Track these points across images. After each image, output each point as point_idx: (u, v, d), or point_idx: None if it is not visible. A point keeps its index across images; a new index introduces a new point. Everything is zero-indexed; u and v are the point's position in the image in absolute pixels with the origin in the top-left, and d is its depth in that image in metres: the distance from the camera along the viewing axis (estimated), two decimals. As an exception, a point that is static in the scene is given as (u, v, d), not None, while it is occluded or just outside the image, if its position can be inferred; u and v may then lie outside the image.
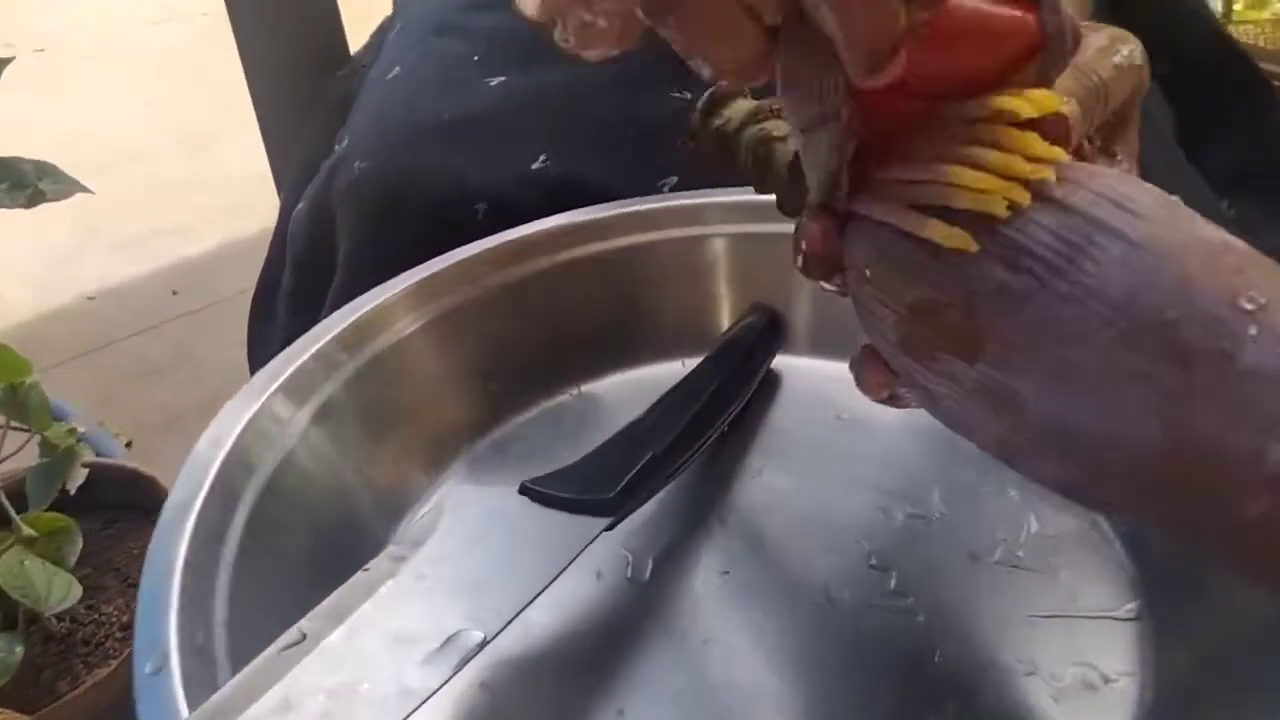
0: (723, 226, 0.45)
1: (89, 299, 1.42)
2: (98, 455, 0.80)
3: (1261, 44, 1.36)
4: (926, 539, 0.35)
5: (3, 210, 0.63)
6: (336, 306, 0.40)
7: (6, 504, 0.65)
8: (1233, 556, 0.22)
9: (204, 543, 0.31)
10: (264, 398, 0.35)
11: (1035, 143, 0.23)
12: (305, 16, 0.89)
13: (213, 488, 0.32)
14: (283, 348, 0.38)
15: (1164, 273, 0.21)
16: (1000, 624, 0.32)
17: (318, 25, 0.89)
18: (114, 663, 0.71)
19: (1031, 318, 0.22)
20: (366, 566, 0.30)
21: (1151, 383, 0.21)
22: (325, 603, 0.28)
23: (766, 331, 0.43)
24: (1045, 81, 0.25)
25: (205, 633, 0.29)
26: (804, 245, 0.27)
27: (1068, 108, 0.24)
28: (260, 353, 0.65)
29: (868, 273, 0.25)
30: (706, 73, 0.25)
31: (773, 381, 0.43)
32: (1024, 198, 0.23)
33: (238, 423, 0.34)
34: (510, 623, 0.28)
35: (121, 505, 0.82)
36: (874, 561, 0.34)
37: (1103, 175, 0.23)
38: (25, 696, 0.68)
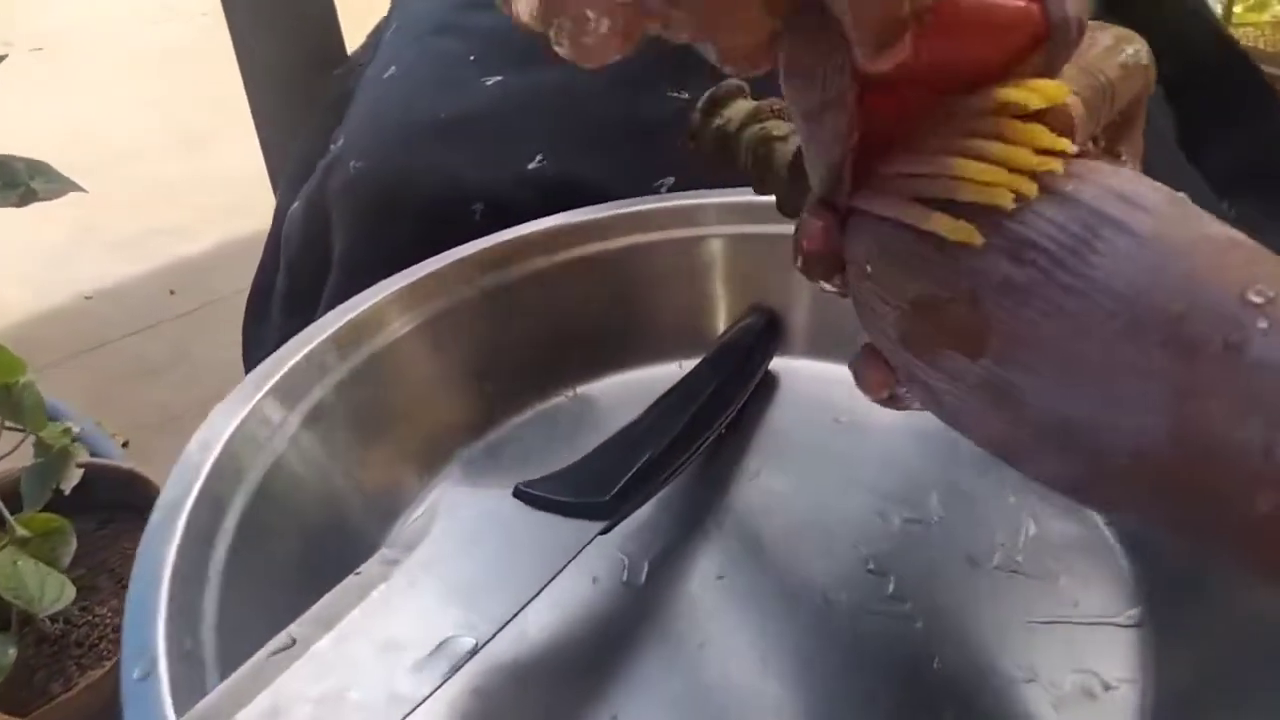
0: (720, 227, 0.44)
1: (86, 298, 1.42)
2: (94, 455, 0.80)
3: (1261, 46, 1.36)
4: (925, 543, 0.35)
5: (-2, 209, 0.63)
6: (332, 307, 0.40)
7: (0, 504, 0.64)
8: (1240, 554, 0.22)
9: (193, 547, 0.30)
10: (255, 400, 0.35)
11: (1042, 134, 0.23)
12: (302, 15, 0.89)
13: (202, 491, 0.32)
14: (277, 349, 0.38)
15: (1171, 266, 0.21)
16: (999, 630, 0.32)
17: (314, 24, 0.89)
18: (107, 664, 0.71)
19: (1036, 311, 0.22)
20: (358, 570, 0.30)
21: (1157, 377, 0.21)
22: (315, 607, 0.28)
23: (764, 333, 0.43)
24: (1050, 73, 0.24)
25: (194, 638, 0.28)
26: (804, 242, 0.26)
27: (1073, 101, 0.24)
28: (255, 355, 0.64)
29: (868, 268, 0.25)
30: (712, 56, 0.25)
31: (770, 383, 0.43)
32: (1030, 190, 0.22)
33: (228, 425, 0.34)
34: (504, 628, 0.28)
35: (117, 505, 0.82)
36: (872, 566, 0.34)
37: (1109, 171, 0.23)
38: (18, 698, 0.68)
